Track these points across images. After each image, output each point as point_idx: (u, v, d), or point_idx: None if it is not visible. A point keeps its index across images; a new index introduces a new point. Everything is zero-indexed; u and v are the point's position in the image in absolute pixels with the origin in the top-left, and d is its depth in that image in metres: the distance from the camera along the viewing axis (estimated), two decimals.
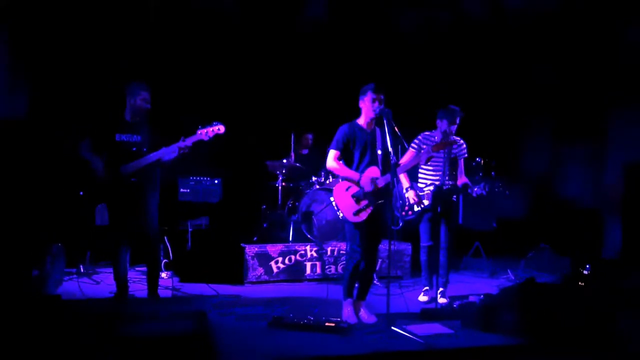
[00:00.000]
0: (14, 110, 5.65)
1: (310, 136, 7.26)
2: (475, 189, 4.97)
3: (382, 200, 4.29)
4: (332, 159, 4.34)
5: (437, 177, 5.06)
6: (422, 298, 5.21)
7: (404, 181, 5.07)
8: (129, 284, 4.89)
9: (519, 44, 6.96)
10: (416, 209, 5.07)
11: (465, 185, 5.06)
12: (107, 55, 6.20)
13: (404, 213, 5.13)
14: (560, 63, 6.87)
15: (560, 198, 6.98)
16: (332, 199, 4.37)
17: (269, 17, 6.72)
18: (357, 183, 4.29)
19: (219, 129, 4.56)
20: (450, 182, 5.01)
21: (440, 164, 5.04)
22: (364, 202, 4.28)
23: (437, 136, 5.09)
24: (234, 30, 6.80)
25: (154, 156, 4.55)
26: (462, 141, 5.17)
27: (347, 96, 4.68)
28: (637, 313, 4.10)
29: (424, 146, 4.96)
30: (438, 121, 5.08)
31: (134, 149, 4.59)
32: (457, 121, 5.02)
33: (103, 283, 5.63)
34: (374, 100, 4.29)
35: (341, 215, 4.33)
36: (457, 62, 7.21)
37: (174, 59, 6.59)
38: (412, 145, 5.11)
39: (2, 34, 5.70)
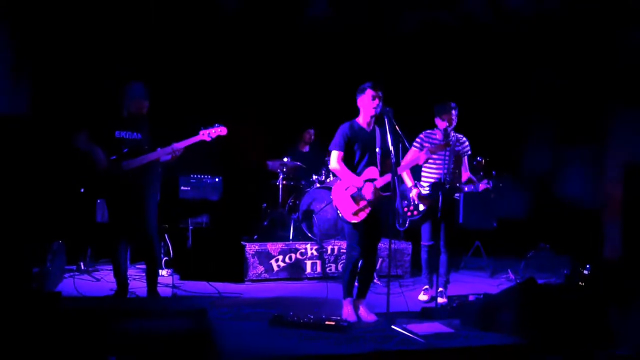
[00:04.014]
0: (16, 106, 5.65)
1: (312, 131, 7.25)
2: (480, 185, 4.98)
3: (381, 200, 4.28)
4: (335, 161, 4.30)
5: (440, 176, 5.06)
6: (422, 297, 5.21)
7: (408, 180, 5.05)
8: (129, 281, 4.90)
9: (522, 45, 6.96)
10: (421, 208, 5.06)
11: (469, 180, 5.06)
12: (109, 52, 6.20)
13: (409, 213, 5.12)
14: (561, 64, 6.87)
15: (560, 198, 6.97)
16: (331, 197, 4.36)
17: (270, 15, 6.72)
18: (359, 189, 4.27)
19: (221, 130, 4.58)
20: (452, 180, 5.00)
21: (443, 162, 5.03)
22: (363, 202, 4.27)
23: (438, 134, 5.09)
24: (235, 29, 6.79)
25: (152, 156, 4.57)
26: (464, 139, 5.15)
27: (349, 92, 4.67)
28: (636, 313, 4.10)
29: (426, 144, 4.96)
30: (436, 119, 5.07)
31: (134, 146, 4.60)
32: (454, 114, 4.97)
33: (103, 280, 5.63)
34: (373, 98, 4.26)
35: (340, 214, 4.33)
36: (460, 63, 7.22)
37: (176, 57, 6.59)
38: (415, 144, 5.10)
39: (4, 31, 5.70)
